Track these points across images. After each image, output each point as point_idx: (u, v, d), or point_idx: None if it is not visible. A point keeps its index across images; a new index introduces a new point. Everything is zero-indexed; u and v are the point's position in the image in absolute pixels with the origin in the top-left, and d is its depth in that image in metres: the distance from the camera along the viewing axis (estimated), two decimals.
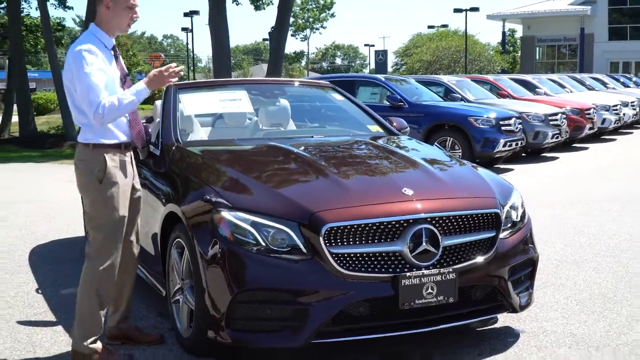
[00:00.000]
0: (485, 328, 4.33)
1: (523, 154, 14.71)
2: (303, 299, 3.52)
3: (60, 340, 4.30)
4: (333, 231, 3.53)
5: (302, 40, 70.89)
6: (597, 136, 18.64)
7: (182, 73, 3.88)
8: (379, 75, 14.75)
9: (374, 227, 3.59)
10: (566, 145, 16.33)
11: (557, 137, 14.54)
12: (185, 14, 45.23)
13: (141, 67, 53.63)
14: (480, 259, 3.80)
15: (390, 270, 3.57)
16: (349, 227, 3.56)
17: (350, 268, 3.53)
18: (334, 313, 3.52)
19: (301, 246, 3.54)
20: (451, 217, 3.75)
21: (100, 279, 3.78)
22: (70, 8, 29.34)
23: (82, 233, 6.55)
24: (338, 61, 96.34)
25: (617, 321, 4.44)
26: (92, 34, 3.88)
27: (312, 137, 5.24)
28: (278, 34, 23.23)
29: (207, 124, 5.58)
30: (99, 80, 3.67)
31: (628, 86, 27.68)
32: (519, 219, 4.17)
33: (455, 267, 3.69)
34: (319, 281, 3.51)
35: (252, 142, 5.06)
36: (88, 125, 3.82)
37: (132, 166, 4.00)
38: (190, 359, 3.91)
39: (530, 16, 45.11)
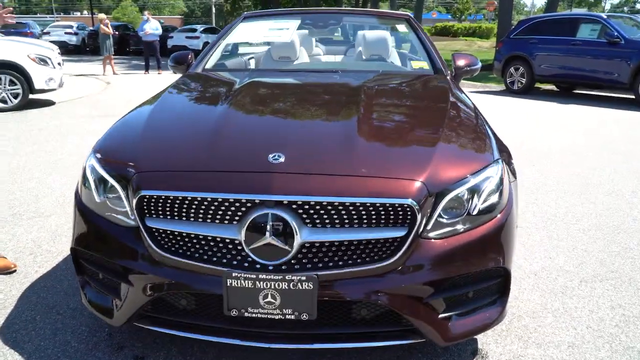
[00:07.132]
0: None
1: None
2: (125, 273, 1.77)
3: None
4: (153, 200, 1.69)
5: None
6: None
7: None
8: (600, 14, 10.28)
9: (203, 203, 1.63)
10: None
11: None
12: None
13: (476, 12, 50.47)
14: (369, 266, 1.61)
15: (224, 262, 1.64)
16: (170, 198, 1.66)
17: (170, 249, 1.68)
18: (151, 299, 1.74)
19: (129, 212, 1.77)
20: (326, 204, 1.59)
21: None
22: None
23: None
24: (638, 6, 75.96)
25: None
26: None
27: (338, 71, 3.02)
28: None
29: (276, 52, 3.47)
30: None
31: None
32: (477, 210, 1.72)
33: (315, 273, 1.60)
34: (137, 258, 1.73)
35: (269, 73, 3.11)
36: None
37: None
38: None
39: None
